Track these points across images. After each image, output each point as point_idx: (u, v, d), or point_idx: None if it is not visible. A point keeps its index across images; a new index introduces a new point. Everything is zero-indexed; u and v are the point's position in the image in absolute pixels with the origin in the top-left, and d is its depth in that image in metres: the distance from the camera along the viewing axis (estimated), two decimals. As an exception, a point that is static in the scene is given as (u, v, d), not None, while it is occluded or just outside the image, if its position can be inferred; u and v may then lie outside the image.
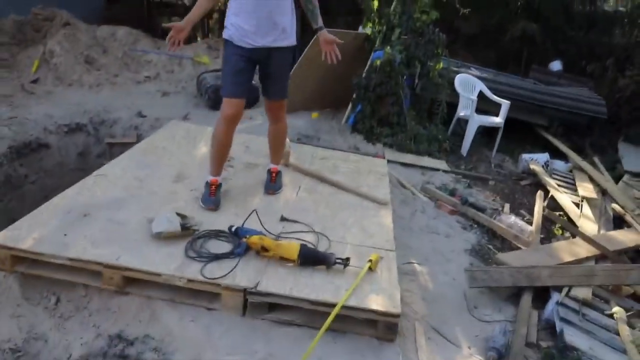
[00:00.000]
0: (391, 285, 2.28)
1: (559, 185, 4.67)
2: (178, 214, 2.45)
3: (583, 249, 3.12)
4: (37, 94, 6.10)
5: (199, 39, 10.23)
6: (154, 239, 2.34)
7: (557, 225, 3.96)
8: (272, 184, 3.14)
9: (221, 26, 11.43)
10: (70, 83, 6.56)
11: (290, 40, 2.75)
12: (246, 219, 2.61)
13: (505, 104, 5.51)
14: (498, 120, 5.46)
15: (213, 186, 2.81)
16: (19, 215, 2.50)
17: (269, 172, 3.16)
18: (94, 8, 10.12)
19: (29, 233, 2.24)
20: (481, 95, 5.65)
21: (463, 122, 5.60)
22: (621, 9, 9.36)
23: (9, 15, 7.59)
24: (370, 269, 2.32)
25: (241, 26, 2.59)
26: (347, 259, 2.30)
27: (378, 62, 4.88)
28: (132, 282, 2.16)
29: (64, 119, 5.33)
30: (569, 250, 3.10)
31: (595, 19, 8.79)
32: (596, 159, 5.67)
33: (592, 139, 6.68)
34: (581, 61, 8.47)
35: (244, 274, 2.18)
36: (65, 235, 2.27)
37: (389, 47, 4.84)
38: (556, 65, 8.61)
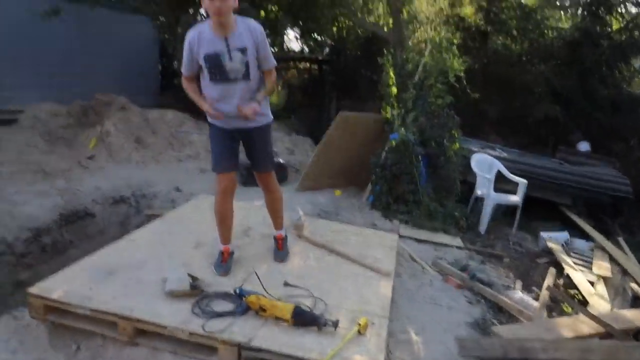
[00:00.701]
0: (377, 350, 2.41)
1: (576, 264, 4.65)
2: (190, 275, 2.75)
3: (586, 326, 3.10)
4: (90, 169, 6.83)
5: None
6: (167, 296, 2.63)
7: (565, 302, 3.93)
8: (280, 251, 3.41)
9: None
10: (120, 160, 7.29)
11: (266, 119, 3.06)
12: (245, 279, 2.87)
13: (522, 183, 5.65)
14: (515, 198, 5.57)
15: (225, 254, 3.11)
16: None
17: (275, 239, 3.45)
18: (150, 94, 11.34)
19: (61, 286, 2.59)
20: (501, 174, 5.82)
21: (481, 201, 5.74)
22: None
23: (76, 100, 8.71)
24: (359, 332, 2.48)
25: (219, 112, 2.85)
26: (337, 321, 2.48)
27: (394, 143, 5.24)
28: (142, 333, 2.43)
29: (110, 192, 5.93)
30: (571, 326, 3.09)
31: (619, 101, 8.96)
32: (621, 239, 5.59)
33: (622, 220, 6.60)
34: (607, 141, 8.56)
35: (241, 330, 2.40)
36: (90, 289, 2.60)
37: (403, 129, 5.22)
38: (584, 146, 8.72)
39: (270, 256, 3.44)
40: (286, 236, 3.52)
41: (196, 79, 2.99)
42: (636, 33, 8.71)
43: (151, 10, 7.67)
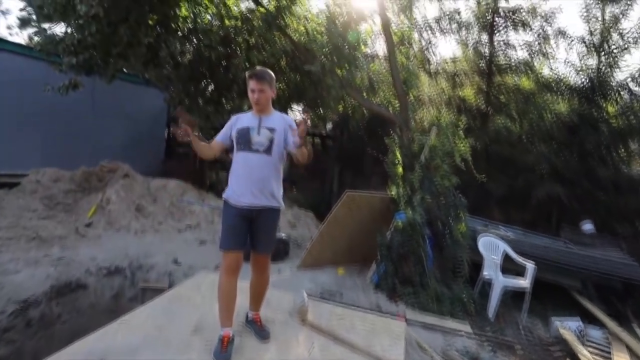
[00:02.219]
0: None
1: (592, 354, 4.39)
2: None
3: None
4: (88, 237, 6.68)
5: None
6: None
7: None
8: (262, 330, 3.28)
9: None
10: (119, 228, 7.16)
11: (278, 203, 3.14)
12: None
13: (530, 266, 5.49)
14: (524, 283, 5.39)
15: (225, 339, 2.92)
16: (44, 354, 2.67)
17: (253, 320, 3.34)
18: (154, 162, 11.44)
19: (46, 377, 2.38)
20: (507, 256, 5.68)
21: (488, 284, 5.55)
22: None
23: (82, 166, 8.74)
24: None
25: (236, 188, 3.02)
26: None
27: (400, 224, 5.15)
28: None
29: (106, 262, 5.75)
30: None
31: (620, 181, 9.00)
32: (636, 326, 5.35)
33: (633, 304, 6.36)
34: (611, 222, 8.48)
35: None
36: (78, 381, 2.39)
37: (410, 210, 5.16)
38: (587, 226, 8.61)
39: (274, 345, 3.22)
40: (260, 315, 3.42)
41: (217, 149, 3.17)
42: (632, 118, 8.95)
43: (164, 83, 7.96)
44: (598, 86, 9.23)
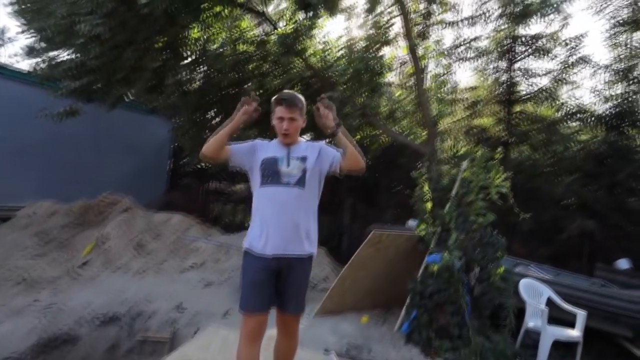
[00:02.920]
0: None
1: None
2: None
3: None
4: (82, 278, 6.08)
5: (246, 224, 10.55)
6: None
7: None
8: None
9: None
10: (117, 268, 6.56)
11: (313, 248, 2.61)
12: None
13: (580, 314, 4.87)
14: (575, 334, 4.75)
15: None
16: None
17: None
18: (156, 194, 10.91)
19: None
20: (549, 300, 5.08)
21: (532, 333, 4.91)
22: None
23: (81, 198, 8.19)
24: None
25: (261, 233, 2.49)
26: None
27: (436, 267, 4.55)
28: None
29: (101, 308, 5.13)
30: None
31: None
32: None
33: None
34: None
35: None
36: None
37: (447, 252, 4.57)
38: (623, 264, 7.97)
39: None
40: None
41: (225, 154, 2.61)
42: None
43: (169, 113, 7.49)
44: (626, 114, 8.77)
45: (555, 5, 8.93)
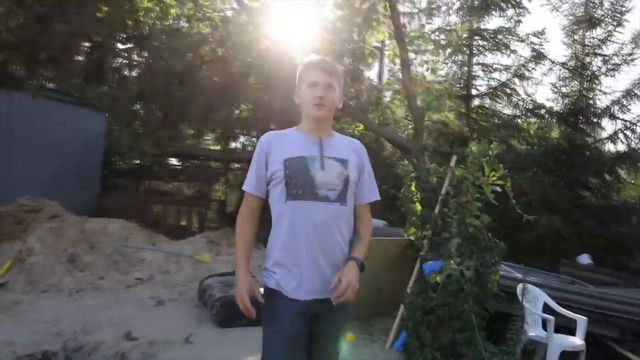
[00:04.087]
0: None
1: None
2: None
3: None
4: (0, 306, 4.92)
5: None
6: None
7: None
8: None
9: (222, 215, 11.00)
10: (45, 288, 5.46)
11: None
12: None
13: (581, 320, 4.60)
14: (579, 342, 4.46)
15: None
16: None
17: None
18: (89, 198, 9.57)
19: None
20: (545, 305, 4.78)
21: (536, 344, 4.58)
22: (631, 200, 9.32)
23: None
24: None
25: (291, 268, 1.78)
26: None
27: (438, 278, 4.02)
28: None
29: (26, 347, 4.06)
30: None
31: (610, 210, 8.62)
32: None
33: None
34: (607, 253, 7.99)
35: None
36: None
37: (451, 261, 4.05)
38: (585, 259, 8.05)
39: None
40: None
41: (257, 212, 1.94)
42: (620, 144, 8.66)
43: (108, 105, 6.36)
44: (581, 111, 8.87)
45: (514, 1, 8.86)
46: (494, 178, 4.66)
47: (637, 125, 8.45)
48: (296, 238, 1.77)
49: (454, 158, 5.05)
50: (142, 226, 7.77)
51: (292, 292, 1.76)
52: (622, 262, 8.11)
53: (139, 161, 10.21)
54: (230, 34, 5.25)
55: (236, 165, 11.84)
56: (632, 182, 9.55)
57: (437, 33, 9.05)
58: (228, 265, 6.78)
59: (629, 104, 8.52)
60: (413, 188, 4.92)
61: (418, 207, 4.82)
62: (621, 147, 8.71)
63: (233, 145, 9.00)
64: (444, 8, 9.15)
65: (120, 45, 5.57)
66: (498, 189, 4.77)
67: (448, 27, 9.10)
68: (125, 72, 5.90)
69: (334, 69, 1.85)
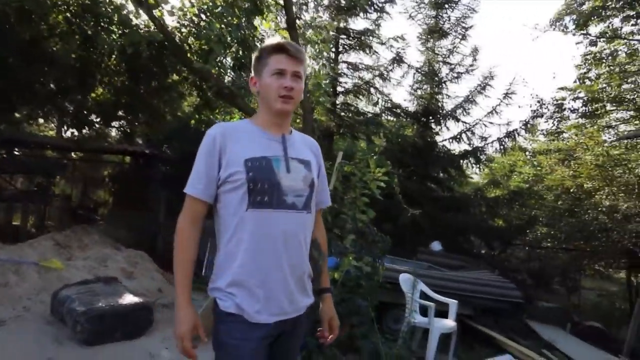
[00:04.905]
0: None
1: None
2: None
3: None
4: None
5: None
6: None
7: None
8: None
9: (65, 212, 9.47)
10: None
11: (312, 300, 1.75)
12: None
13: (452, 303, 5.09)
14: (452, 324, 4.91)
15: None
16: None
17: None
18: None
19: None
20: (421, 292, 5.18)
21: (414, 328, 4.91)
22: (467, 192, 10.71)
23: None
24: None
25: (253, 293, 1.52)
26: None
27: (336, 275, 3.99)
28: None
29: None
30: None
31: (454, 201, 9.80)
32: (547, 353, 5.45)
33: (504, 323, 6.68)
34: (454, 240, 9.09)
35: None
36: None
37: (350, 257, 4.06)
38: (436, 246, 8.98)
39: None
40: None
41: (202, 222, 1.60)
42: (463, 143, 9.88)
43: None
44: (432, 112, 9.87)
45: (378, 5, 9.40)
46: (379, 174, 4.83)
47: (476, 128, 9.72)
48: (261, 254, 1.51)
49: (340, 154, 5.12)
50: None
51: (255, 316, 1.50)
52: (465, 247, 9.30)
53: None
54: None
55: (78, 155, 10.37)
56: (471, 177, 11.02)
57: (306, 28, 9.10)
58: (84, 270, 5.87)
59: (469, 108, 9.75)
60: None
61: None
62: (464, 146, 9.93)
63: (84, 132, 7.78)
64: (312, 5, 9.28)
65: None
66: (382, 184, 4.97)
67: (316, 25, 9.25)
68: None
69: (303, 56, 1.61)
